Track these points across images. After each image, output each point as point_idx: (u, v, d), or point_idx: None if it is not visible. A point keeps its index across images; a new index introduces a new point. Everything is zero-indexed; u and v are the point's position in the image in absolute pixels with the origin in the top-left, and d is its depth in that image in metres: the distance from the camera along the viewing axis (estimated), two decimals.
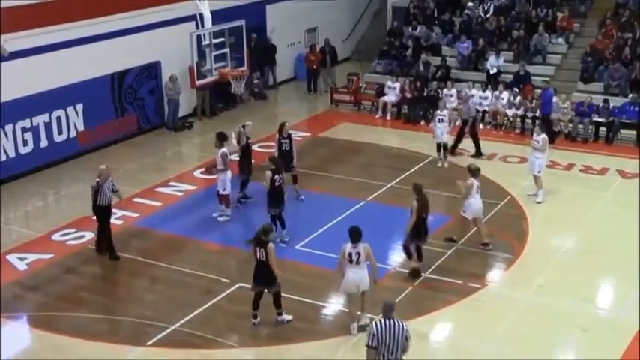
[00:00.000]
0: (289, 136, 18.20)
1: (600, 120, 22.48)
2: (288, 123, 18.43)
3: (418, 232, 14.68)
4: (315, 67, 28.37)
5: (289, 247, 15.75)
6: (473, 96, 22.87)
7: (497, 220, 17.16)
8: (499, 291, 14.31)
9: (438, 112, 20.54)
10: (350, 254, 12.46)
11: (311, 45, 29.14)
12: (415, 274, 14.68)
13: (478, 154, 20.93)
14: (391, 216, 17.79)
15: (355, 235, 12.48)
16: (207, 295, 14.26)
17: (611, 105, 22.59)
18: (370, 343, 9.90)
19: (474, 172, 15.81)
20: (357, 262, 12.44)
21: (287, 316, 13.30)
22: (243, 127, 18.38)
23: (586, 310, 13.48)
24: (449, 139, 20.55)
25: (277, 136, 18.27)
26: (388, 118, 24.95)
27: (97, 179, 15.59)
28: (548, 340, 12.68)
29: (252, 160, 21.17)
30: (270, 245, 12.69)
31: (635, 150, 21.49)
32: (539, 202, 17.86)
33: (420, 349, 12.52)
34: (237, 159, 18.23)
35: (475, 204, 15.68)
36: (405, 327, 9.97)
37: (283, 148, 18.09)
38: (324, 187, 19.08)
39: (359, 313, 13.04)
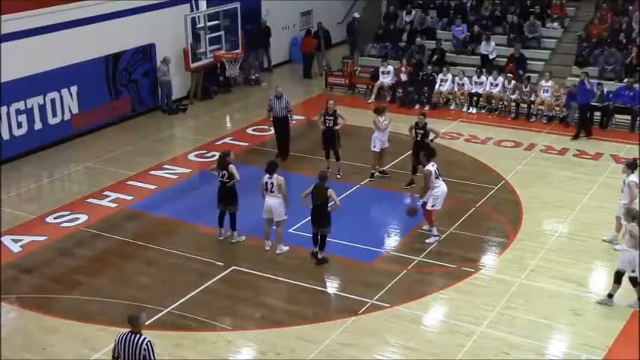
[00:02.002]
0: (334, 113, 18.41)
1: (595, 104, 22.44)
2: (332, 101, 18.74)
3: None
4: (311, 51, 28.29)
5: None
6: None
7: (492, 205, 17.21)
8: (493, 275, 14.35)
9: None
10: (266, 183, 14.74)
11: (307, 29, 29.08)
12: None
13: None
14: (384, 200, 17.84)
15: (271, 168, 14.79)
16: (201, 278, 14.28)
17: (606, 89, 22.55)
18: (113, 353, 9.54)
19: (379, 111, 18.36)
20: (272, 191, 14.71)
21: (325, 257, 14.76)
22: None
23: (579, 294, 13.52)
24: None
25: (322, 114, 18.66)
26: (388, 99, 24.87)
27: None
28: (541, 323, 12.74)
29: (246, 143, 21.33)
30: (330, 190, 14.34)
31: (629, 135, 21.52)
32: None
33: (414, 332, 12.60)
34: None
35: (380, 138, 18.12)
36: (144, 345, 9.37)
37: (327, 124, 18.39)
38: (318, 171, 19.08)
39: (269, 242, 15.23)
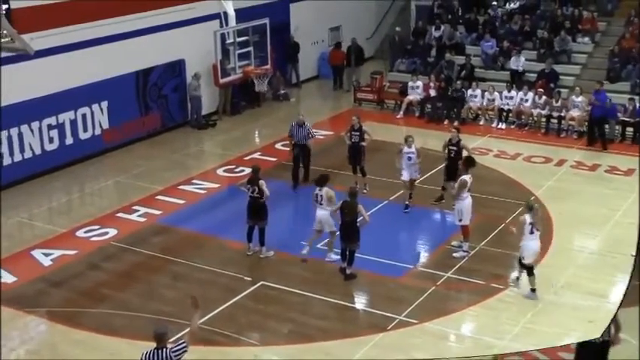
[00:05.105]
0: (360, 129, 18.43)
1: (627, 119, 22.21)
2: (355, 117, 18.76)
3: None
4: (338, 64, 28.37)
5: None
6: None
7: None
8: (521, 292, 14.20)
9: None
10: (316, 195, 15.03)
11: (337, 43, 29.19)
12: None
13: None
14: (413, 216, 17.74)
15: (320, 181, 15.17)
16: (229, 293, 14.29)
17: (638, 105, 22.30)
18: None
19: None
20: (321, 203, 14.97)
21: (354, 272, 14.71)
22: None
23: (609, 311, 13.31)
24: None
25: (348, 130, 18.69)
26: (417, 115, 24.84)
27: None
28: (571, 341, 12.56)
29: (275, 159, 21.32)
30: (359, 206, 14.32)
31: None
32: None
33: (443, 349, 12.49)
34: None
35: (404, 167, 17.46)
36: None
37: (353, 140, 18.45)
38: (347, 186, 19.04)
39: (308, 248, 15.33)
